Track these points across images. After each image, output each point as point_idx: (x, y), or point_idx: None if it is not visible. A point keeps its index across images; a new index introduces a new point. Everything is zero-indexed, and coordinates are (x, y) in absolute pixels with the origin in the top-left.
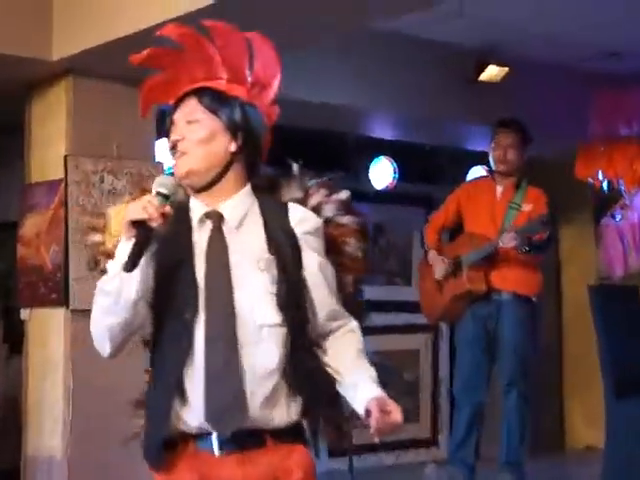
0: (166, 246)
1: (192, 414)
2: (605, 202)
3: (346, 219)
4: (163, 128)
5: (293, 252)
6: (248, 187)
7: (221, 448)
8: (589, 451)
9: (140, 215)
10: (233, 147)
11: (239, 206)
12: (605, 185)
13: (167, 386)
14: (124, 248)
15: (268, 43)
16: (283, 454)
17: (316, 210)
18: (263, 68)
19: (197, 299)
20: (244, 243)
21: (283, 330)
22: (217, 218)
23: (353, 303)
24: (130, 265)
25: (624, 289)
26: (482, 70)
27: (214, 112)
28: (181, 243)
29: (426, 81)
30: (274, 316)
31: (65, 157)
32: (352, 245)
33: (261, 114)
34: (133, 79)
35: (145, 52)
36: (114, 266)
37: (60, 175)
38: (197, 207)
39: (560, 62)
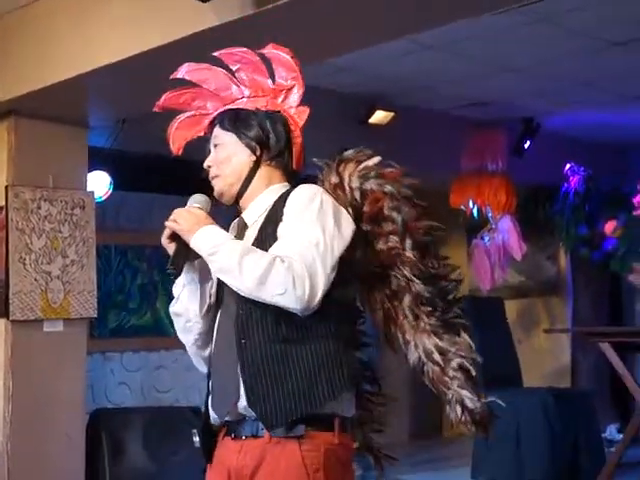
0: None
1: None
2: (475, 226)
3: (370, 184)
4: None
5: (273, 238)
6: (273, 187)
7: (229, 434)
8: (462, 436)
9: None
10: (253, 157)
11: (257, 208)
12: (475, 212)
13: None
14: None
15: (281, 49)
16: (275, 446)
17: (350, 187)
18: (283, 73)
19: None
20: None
21: (239, 313)
22: (241, 226)
23: (427, 274)
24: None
25: (491, 300)
26: (371, 114)
27: (233, 132)
28: None
29: (324, 122)
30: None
31: (6, 187)
32: (385, 208)
33: (285, 117)
34: (67, 119)
35: (162, 99)
36: (176, 289)
37: (1, 203)
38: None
39: (437, 109)
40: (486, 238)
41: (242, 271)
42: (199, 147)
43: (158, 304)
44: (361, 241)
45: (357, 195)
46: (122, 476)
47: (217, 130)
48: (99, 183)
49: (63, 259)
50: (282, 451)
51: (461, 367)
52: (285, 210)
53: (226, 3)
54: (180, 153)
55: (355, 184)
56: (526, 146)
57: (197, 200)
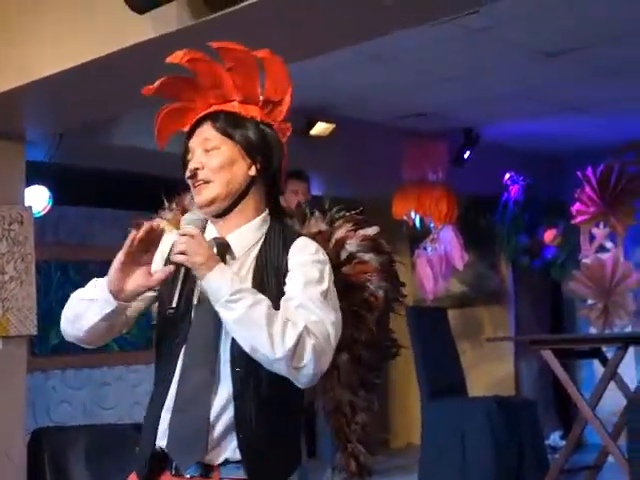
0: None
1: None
2: (418, 236)
3: (368, 256)
4: (182, 158)
5: (277, 288)
6: (263, 215)
7: (167, 468)
8: (409, 447)
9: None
10: (253, 171)
11: (248, 236)
12: (417, 222)
13: (154, 408)
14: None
15: (278, 59)
16: None
17: (340, 244)
18: (274, 86)
19: (189, 328)
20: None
21: (235, 370)
22: (222, 248)
23: (375, 342)
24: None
25: (434, 310)
26: (312, 126)
27: (230, 137)
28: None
29: None
30: (227, 354)
31: None
32: (373, 283)
33: (276, 133)
34: (3, 133)
35: (157, 82)
36: (96, 306)
37: None
38: (211, 234)
39: (378, 120)
40: (428, 248)
41: (273, 336)
42: (140, 160)
43: None
44: None
45: (344, 255)
46: None
47: (211, 132)
48: (38, 198)
49: (2, 275)
50: None
51: (363, 422)
52: (291, 265)
53: (164, 14)
54: (164, 147)
55: (352, 248)
56: (466, 156)
57: (192, 221)
